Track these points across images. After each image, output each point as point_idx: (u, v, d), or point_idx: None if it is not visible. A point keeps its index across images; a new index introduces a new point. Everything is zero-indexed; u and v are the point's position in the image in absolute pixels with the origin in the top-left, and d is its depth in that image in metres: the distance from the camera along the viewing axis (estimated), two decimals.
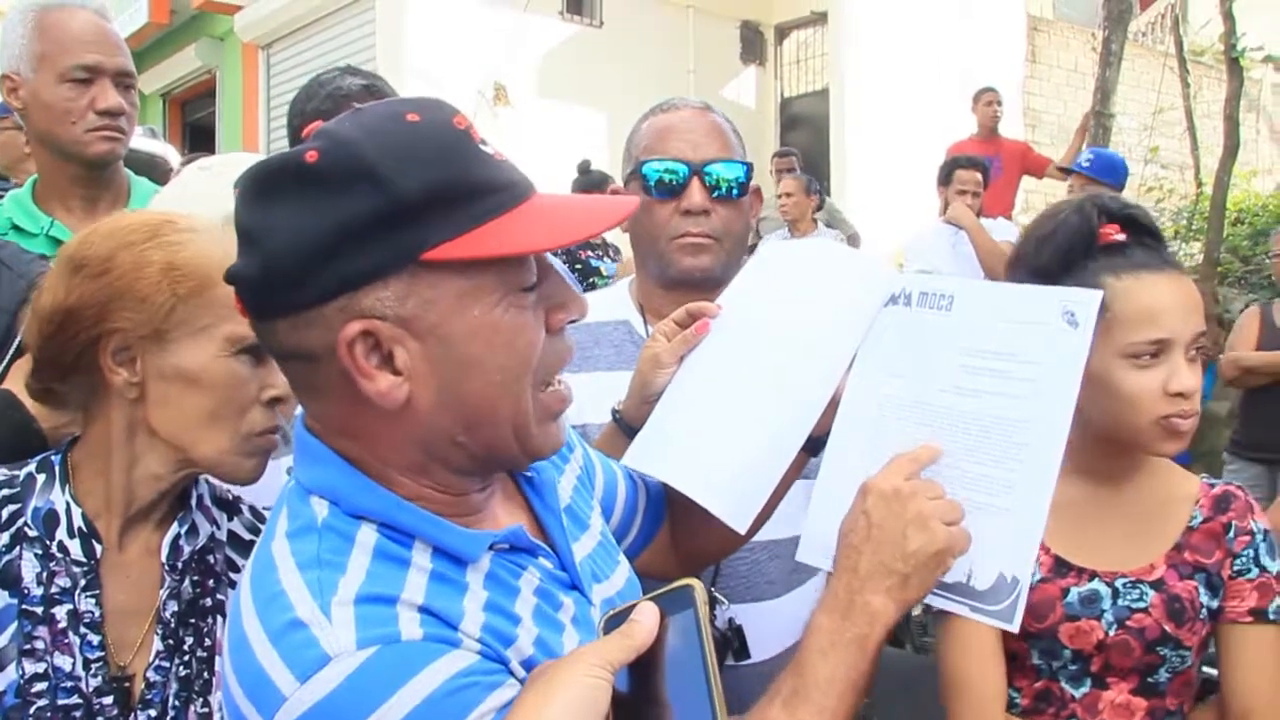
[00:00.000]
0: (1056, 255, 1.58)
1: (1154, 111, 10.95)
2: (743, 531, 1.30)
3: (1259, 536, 1.61)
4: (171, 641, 1.31)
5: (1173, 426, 1.51)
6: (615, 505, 1.38)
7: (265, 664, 0.88)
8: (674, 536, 1.46)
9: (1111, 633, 1.56)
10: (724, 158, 1.74)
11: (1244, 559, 1.59)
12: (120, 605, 1.30)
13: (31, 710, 1.22)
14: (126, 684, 1.28)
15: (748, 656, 1.70)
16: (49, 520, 1.28)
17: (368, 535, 0.95)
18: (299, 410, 1.62)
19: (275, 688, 0.86)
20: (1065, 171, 5.88)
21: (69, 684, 1.24)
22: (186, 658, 1.31)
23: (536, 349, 0.98)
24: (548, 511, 1.15)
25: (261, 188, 0.93)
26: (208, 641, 1.34)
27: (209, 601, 1.36)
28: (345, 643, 0.86)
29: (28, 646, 1.23)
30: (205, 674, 1.32)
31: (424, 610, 0.91)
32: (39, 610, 1.25)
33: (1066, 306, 1.15)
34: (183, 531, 1.35)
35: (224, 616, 1.35)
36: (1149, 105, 11.12)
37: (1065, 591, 1.58)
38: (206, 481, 1.43)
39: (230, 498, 1.47)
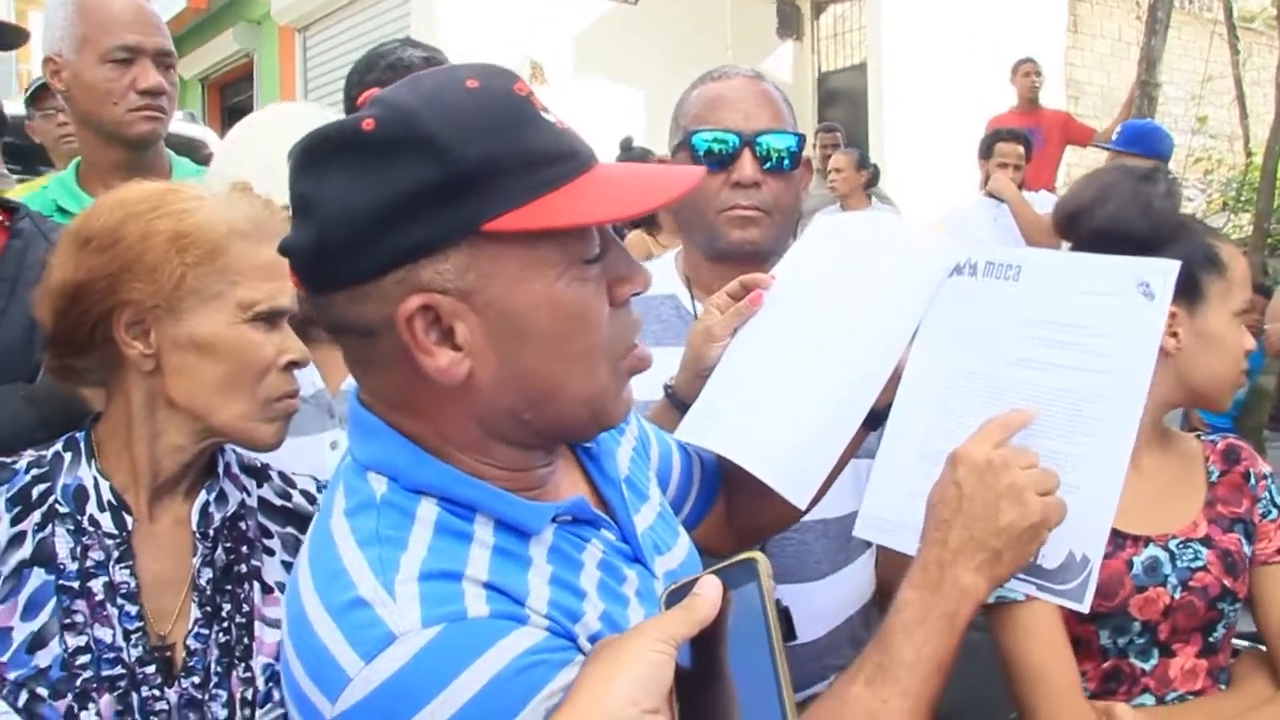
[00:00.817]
0: (1170, 220, 1.64)
1: (1202, 80, 10.73)
2: (803, 507, 1.28)
3: (1270, 480, 1.71)
4: (209, 609, 1.32)
5: (1241, 382, 1.64)
6: (671, 478, 1.36)
7: (328, 643, 0.86)
8: (729, 510, 1.44)
9: (1177, 596, 1.57)
10: (776, 128, 1.70)
11: (1265, 502, 1.69)
12: (155, 575, 1.31)
13: (77, 682, 1.23)
14: (168, 653, 1.29)
15: (794, 638, 1.68)
16: (79, 496, 1.29)
17: (428, 510, 0.93)
18: (350, 383, 1.62)
19: (339, 667, 0.85)
20: (1102, 147, 5.76)
21: (111, 655, 1.25)
22: (225, 624, 1.32)
23: (601, 322, 0.95)
24: (608, 482, 1.12)
25: (317, 156, 0.91)
26: (245, 608, 1.34)
27: (244, 568, 1.36)
28: (410, 621, 0.84)
29: (68, 621, 1.25)
30: (245, 639, 1.33)
31: (489, 586, 0.89)
32: (75, 585, 1.26)
33: (1142, 277, 1.12)
34: (211, 499, 1.36)
35: (260, 583, 1.36)
36: (1196, 74, 10.89)
37: (1130, 563, 1.59)
38: (234, 450, 1.43)
39: (259, 465, 1.47)
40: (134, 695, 1.25)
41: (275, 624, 1.33)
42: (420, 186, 0.87)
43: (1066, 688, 1.55)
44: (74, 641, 1.24)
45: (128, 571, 1.28)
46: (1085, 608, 1.10)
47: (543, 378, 0.94)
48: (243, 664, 1.32)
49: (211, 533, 1.35)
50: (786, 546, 1.71)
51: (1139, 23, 9.00)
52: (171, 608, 1.31)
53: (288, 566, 1.37)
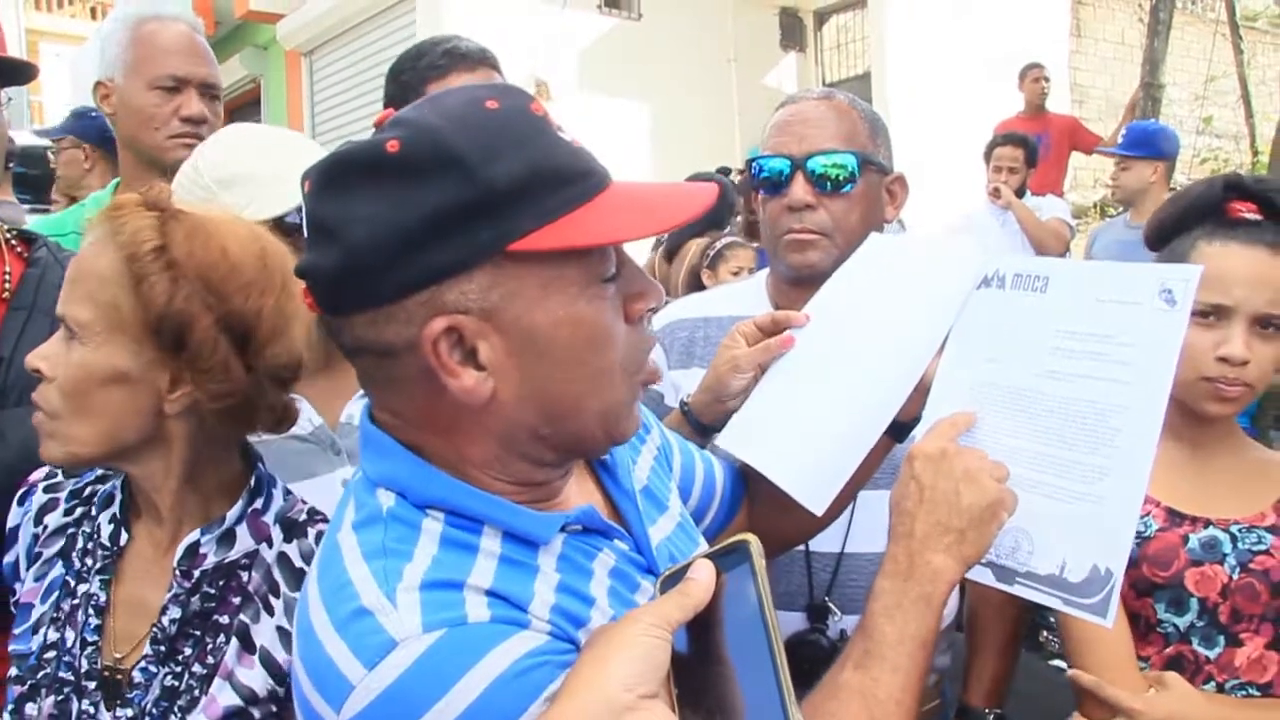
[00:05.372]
0: (1177, 215, 1.68)
1: (1206, 80, 10.71)
2: (819, 514, 1.29)
3: None
4: (164, 648, 1.25)
5: (1216, 391, 1.58)
6: (693, 487, 1.37)
7: (332, 653, 0.87)
8: (751, 520, 1.45)
9: (1235, 576, 1.58)
10: (830, 149, 1.68)
11: None
12: (131, 598, 1.29)
13: (40, 675, 1.26)
14: (119, 676, 1.26)
15: None
16: (106, 502, 1.33)
17: (434, 524, 0.94)
18: (349, 415, 1.60)
19: (343, 676, 0.86)
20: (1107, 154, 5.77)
21: (68, 659, 1.26)
22: (179, 669, 1.25)
23: (619, 340, 0.96)
24: (622, 493, 1.13)
25: (339, 178, 0.91)
26: (210, 659, 1.25)
27: (225, 619, 1.27)
28: (411, 627, 0.85)
29: (55, 614, 1.28)
30: (196, 691, 1.24)
31: (491, 594, 0.90)
32: (73, 583, 1.30)
33: (1165, 284, 1.11)
34: (204, 539, 1.28)
35: (241, 640, 1.27)
36: (1200, 75, 10.87)
37: (1185, 539, 1.60)
38: (284, 497, 1.37)
39: (300, 519, 1.36)
40: (73, 705, 1.25)
41: (241, 689, 1.24)
42: (449, 208, 0.87)
43: (1118, 654, 1.56)
44: (52, 636, 1.27)
45: (100, 584, 1.29)
46: (1109, 622, 1.09)
47: (562, 394, 0.95)
48: (180, 716, 1.25)
49: (196, 574, 1.27)
50: (859, 578, 1.71)
51: (1142, 25, 9.00)
52: (137, 634, 1.28)
53: (282, 634, 1.27)
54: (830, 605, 1.71)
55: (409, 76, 2.14)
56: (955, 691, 1.94)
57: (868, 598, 1.08)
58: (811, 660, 1.64)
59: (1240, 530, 1.60)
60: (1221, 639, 1.59)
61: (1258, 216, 1.60)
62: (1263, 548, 1.58)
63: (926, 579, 1.06)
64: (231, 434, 1.33)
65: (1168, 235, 1.69)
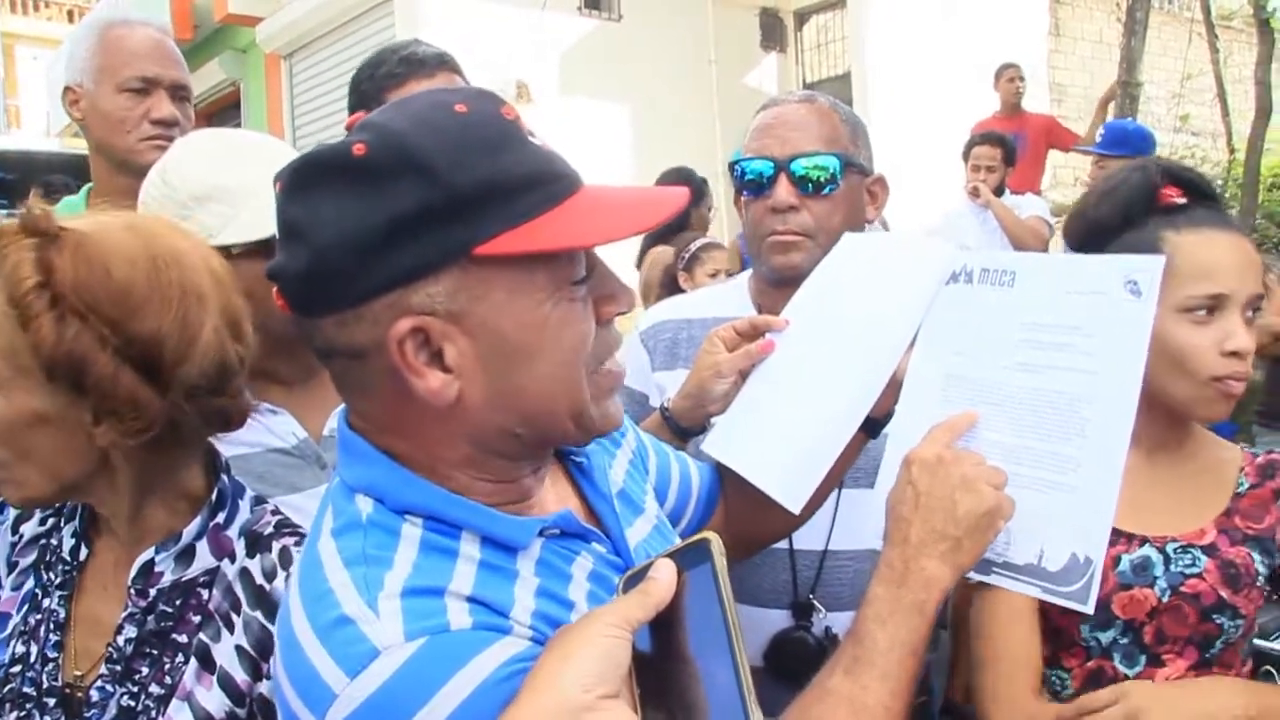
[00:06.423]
0: (1117, 208, 1.58)
1: (1182, 78, 10.80)
2: (796, 512, 1.30)
3: None
4: (119, 668, 1.22)
5: (1226, 388, 1.49)
6: (669, 489, 1.38)
7: (315, 662, 0.87)
8: (727, 519, 1.46)
9: (1165, 599, 1.52)
10: (812, 151, 1.69)
11: None
12: (91, 614, 1.27)
13: (6, 689, 1.24)
14: (79, 694, 1.23)
15: None
16: (71, 515, 1.32)
17: (413, 529, 0.94)
18: (333, 428, 1.59)
19: (325, 685, 0.86)
20: (1085, 152, 5.81)
21: (31, 675, 1.25)
22: (135, 689, 1.21)
23: (588, 343, 0.97)
24: (599, 496, 1.14)
25: (307, 181, 0.92)
26: (169, 679, 1.21)
27: (183, 638, 1.23)
28: (393, 635, 0.85)
29: (24, 628, 1.27)
30: (153, 712, 1.20)
31: (472, 600, 0.90)
32: (39, 597, 1.28)
33: (1129, 275, 1.12)
34: (159, 557, 1.23)
35: (199, 661, 1.22)
36: (1177, 73, 10.96)
37: (1117, 560, 1.55)
38: (250, 510, 1.32)
39: (266, 533, 1.29)
40: None
41: (198, 710, 1.19)
42: (414, 211, 0.88)
43: (1018, 666, 1.50)
44: (19, 650, 1.26)
45: (59, 601, 1.27)
46: (1089, 609, 1.10)
47: (532, 396, 0.95)
48: None
49: (152, 593, 1.23)
50: (842, 575, 1.72)
51: (1119, 24, 9.05)
52: (96, 652, 1.25)
53: (241, 654, 1.22)
54: (815, 603, 1.72)
55: (367, 86, 2.14)
56: (941, 684, 1.96)
57: (860, 602, 1.08)
58: (798, 658, 1.65)
59: (1175, 550, 1.54)
60: (1143, 658, 1.54)
61: (1184, 200, 1.56)
62: (1195, 570, 1.52)
63: (920, 586, 1.06)
64: (172, 455, 1.25)
65: (1114, 230, 1.58)
